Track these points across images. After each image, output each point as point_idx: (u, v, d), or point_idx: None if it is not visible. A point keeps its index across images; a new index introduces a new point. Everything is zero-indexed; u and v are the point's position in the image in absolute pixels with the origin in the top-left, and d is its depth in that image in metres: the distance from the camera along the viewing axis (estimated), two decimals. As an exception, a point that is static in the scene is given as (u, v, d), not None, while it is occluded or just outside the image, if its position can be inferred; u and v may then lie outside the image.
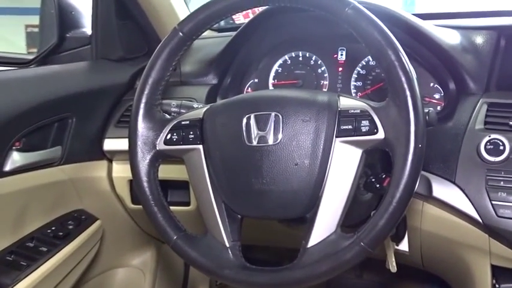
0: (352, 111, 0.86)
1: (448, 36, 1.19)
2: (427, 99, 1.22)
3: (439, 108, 1.21)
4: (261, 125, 0.89)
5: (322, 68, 1.33)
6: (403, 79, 0.81)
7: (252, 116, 0.90)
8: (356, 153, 0.86)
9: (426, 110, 0.88)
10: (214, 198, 0.94)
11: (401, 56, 0.82)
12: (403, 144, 0.80)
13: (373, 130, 0.84)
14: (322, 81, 1.32)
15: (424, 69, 1.22)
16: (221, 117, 0.95)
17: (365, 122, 0.85)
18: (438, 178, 1.04)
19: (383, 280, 1.82)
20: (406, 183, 0.80)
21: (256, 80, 1.39)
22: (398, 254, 1.05)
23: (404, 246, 1.02)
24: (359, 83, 1.29)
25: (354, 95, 1.28)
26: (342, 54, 1.32)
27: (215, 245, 0.93)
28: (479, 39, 1.18)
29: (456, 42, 1.18)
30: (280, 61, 1.37)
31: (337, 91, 1.28)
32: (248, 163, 0.90)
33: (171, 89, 1.36)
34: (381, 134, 0.84)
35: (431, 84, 1.23)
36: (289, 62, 1.36)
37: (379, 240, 0.82)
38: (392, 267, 1.02)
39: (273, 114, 0.89)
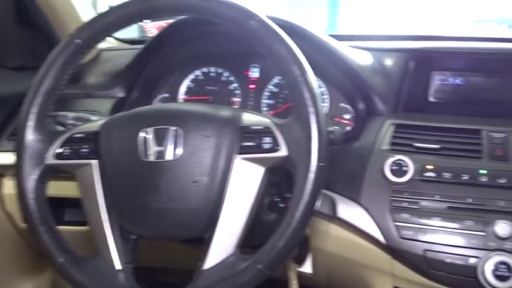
0: (254, 127, 0.86)
1: (359, 57, 1.21)
2: (336, 119, 1.24)
3: (348, 128, 1.23)
4: (160, 139, 0.87)
5: (234, 85, 1.33)
6: (307, 96, 0.82)
7: (150, 130, 0.88)
8: (258, 171, 0.85)
9: (331, 129, 0.89)
10: (108, 216, 0.90)
11: (306, 72, 0.83)
12: (304, 163, 0.80)
13: (275, 147, 0.84)
14: (234, 98, 1.32)
15: (335, 89, 1.25)
16: (118, 130, 0.92)
17: (267, 139, 0.84)
18: (343, 198, 1.05)
19: None
20: (307, 203, 0.80)
21: (166, 95, 1.37)
22: (302, 276, 1.04)
23: (307, 268, 1.02)
24: (271, 101, 1.30)
25: (265, 113, 1.29)
26: (254, 71, 1.32)
27: (105, 268, 0.89)
28: (389, 61, 1.22)
29: (367, 63, 1.21)
30: (192, 76, 1.36)
31: (248, 109, 1.27)
32: (144, 180, 0.87)
33: (74, 101, 1.31)
34: (283, 152, 0.83)
35: (342, 105, 1.25)
36: (201, 77, 1.35)
37: (278, 262, 0.81)
38: None
39: (172, 128, 0.87)
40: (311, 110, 0.81)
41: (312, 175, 0.80)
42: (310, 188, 0.80)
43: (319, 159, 0.80)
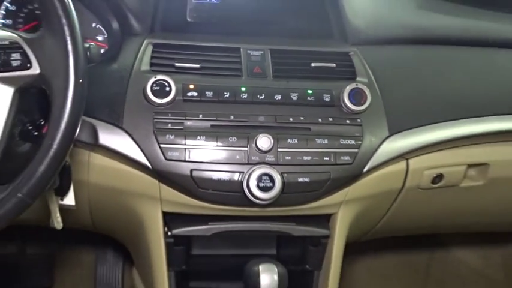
0: None
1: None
2: (89, 41, 1.22)
3: (102, 51, 1.23)
4: None
5: None
6: (58, 5, 0.80)
7: None
8: (6, 93, 0.82)
9: (87, 45, 0.92)
10: None
11: None
12: (61, 79, 0.80)
13: (25, 64, 0.81)
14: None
15: (84, 8, 1.22)
16: None
17: (16, 56, 0.81)
18: (104, 124, 1.06)
19: (50, 251, 1.81)
20: (68, 122, 0.80)
21: None
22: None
23: (70, 200, 1.00)
24: (8, 21, 1.23)
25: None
26: (-23, -15, 1.22)
27: None
28: None
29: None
30: None
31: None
32: None
33: None
34: (35, 69, 0.82)
35: (94, 25, 1.24)
36: None
37: (40, 189, 0.80)
38: (57, 223, 1.00)
39: None
40: (64, 21, 0.80)
41: (70, 92, 0.80)
42: (70, 105, 0.80)
43: (77, 75, 0.80)
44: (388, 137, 1.13)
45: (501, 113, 1.21)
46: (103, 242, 1.77)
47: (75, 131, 0.82)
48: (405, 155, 1.17)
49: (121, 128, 1.06)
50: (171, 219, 1.14)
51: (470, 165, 1.25)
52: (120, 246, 1.49)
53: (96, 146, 1.06)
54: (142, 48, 1.14)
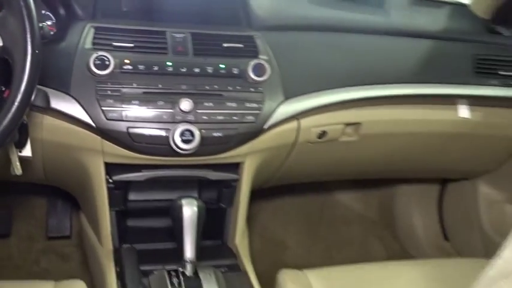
0: None
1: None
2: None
3: (52, 33, 1.36)
4: None
5: None
6: None
7: None
8: None
9: (40, 25, 1.05)
10: None
11: None
12: (21, 50, 0.93)
13: None
14: None
15: (35, -3, 1.36)
16: None
17: None
18: (55, 91, 1.19)
19: (7, 204, 1.94)
20: (27, 83, 0.94)
21: None
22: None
23: (27, 152, 1.13)
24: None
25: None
26: None
27: None
28: None
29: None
30: None
31: None
32: None
33: None
34: None
35: (43, 12, 1.36)
36: None
37: (3, 138, 0.94)
38: (17, 170, 1.13)
39: None
40: (22, 4, 0.93)
41: (28, 59, 0.93)
42: (28, 70, 0.93)
43: (34, 47, 0.93)
44: (283, 102, 1.32)
45: (368, 83, 1.44)
46: (53, 195, 1.94)
47: (33, 91, 0.96)
48: (297, 116, 1.36)
49: (69, 94, 1.20)
50: (111, 168, 1.29)
51: (347, 124, 1.48)
52: (68, 198, 1.64)
53: (48, 110, 1.19)
54: (85, 31, 1.26)
